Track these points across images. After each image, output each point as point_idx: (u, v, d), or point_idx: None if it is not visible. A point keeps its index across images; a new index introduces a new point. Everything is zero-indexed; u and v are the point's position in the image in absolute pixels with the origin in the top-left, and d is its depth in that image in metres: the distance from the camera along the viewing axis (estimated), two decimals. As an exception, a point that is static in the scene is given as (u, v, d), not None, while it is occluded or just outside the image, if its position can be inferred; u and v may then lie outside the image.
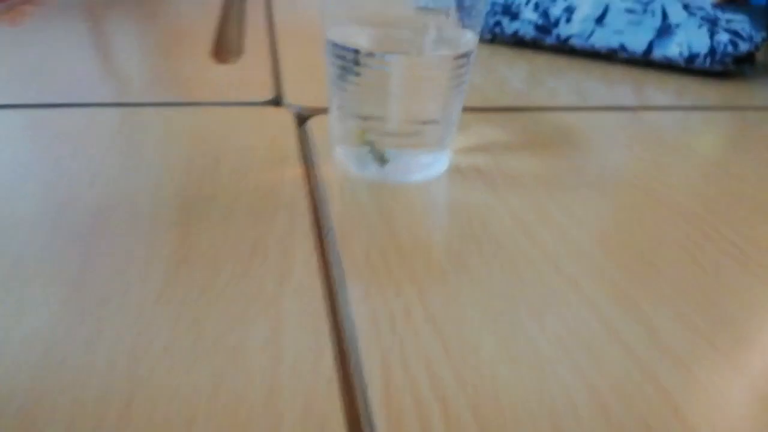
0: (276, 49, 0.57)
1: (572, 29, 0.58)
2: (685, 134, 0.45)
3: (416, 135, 0.34)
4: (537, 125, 0.44)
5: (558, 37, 0.59)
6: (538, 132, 0.43)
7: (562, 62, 0.59)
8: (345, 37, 0.32)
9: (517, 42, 0.61)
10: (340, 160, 0.36)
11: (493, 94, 0.50)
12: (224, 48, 0.56)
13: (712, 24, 0.55)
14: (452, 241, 0.29)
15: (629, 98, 0.52)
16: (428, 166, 0.35)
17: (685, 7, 0.57)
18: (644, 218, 0.32)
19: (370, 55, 0.31)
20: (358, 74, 0.32)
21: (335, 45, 0.32)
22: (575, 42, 0.59)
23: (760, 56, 0.60)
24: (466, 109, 0.36)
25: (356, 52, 0.31)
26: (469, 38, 0.33)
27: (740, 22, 0.56)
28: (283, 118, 0.42)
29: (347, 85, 0.33)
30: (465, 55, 0.33)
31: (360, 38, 0.32)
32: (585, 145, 0.41)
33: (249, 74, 0.51)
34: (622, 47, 0.58)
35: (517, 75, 0.55)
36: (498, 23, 0.61)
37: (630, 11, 0.57)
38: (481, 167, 0.37)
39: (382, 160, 0.33)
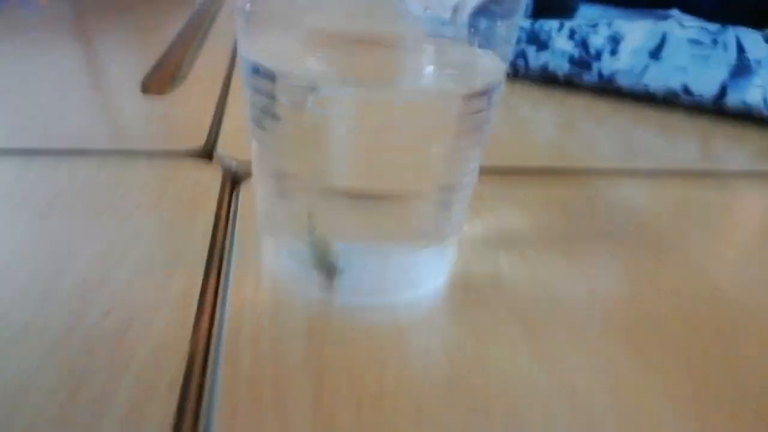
0: (229, 83, 0.43)
1: (619, 64, 0.45)
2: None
3: (396, 220, 0.20)
4: (577, 197, 0.30)
5: (600, 73, 0.45)
6: (579, 210, 0.28)
7: (605, 106, 0.45)
8: (274, 55, 0.18)
9: (547, 78, 0.48)
10: (270, 260, 0.22)
11: (515, 148, 0.36)
12: (158, 77, 0.43)
13: (810, 62, 0.42)
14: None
15: (696, 158, 0.38)
16: (415, 279, 0.21)
17: (767, 39, 0.43)
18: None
19: (312, 88, 0.17)
20: (279, 119, 0.18)
21: (256, 68, 0.18)
22: (622, 80, 0.45)
23: None
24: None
25: (286, 80, 0.18)
26: (491, 66, 0.19)
27: None
28: (208, 178, 0.28)
29: (269, 136, 0.19)
30: (484, 93, 0.19)
31: (298, 57, 0.18)
32: (647, 234, 0.27)
33: (179, 112, 0.37)
34: (686, 89, 0.44)
35: (547, 122, 0.41)
36: (522, 54, 0.47)
37: (695, 42, 0.43)
38: (503, 282, 0.22)
39: (328, 267, 0.19)
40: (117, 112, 0.37)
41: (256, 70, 0.18)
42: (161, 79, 0.43)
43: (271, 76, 0.18)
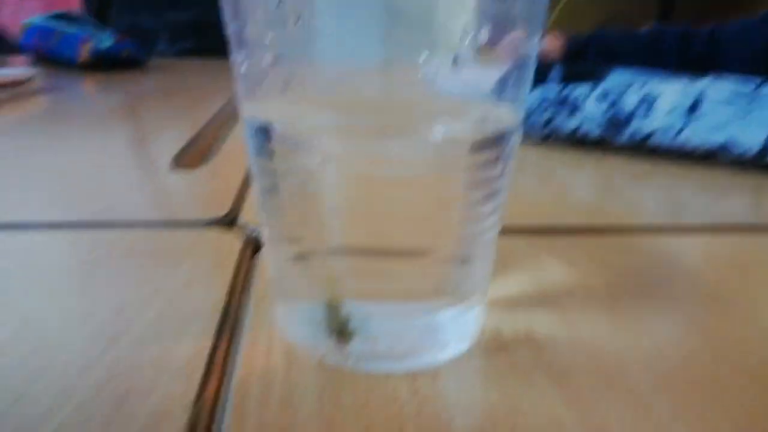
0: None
1: (654, 124, 0.43)
2: None
3: (411, 277, 0.18)
4: (619, 254, 0.28)
5: (633, 135, 0.44)
6: (621, 265, 0.26)
7: (643, 165, 0.43)
8: (274, 112, 0.18)
9: (579, 142, 0.47)
10: (282, 326, 0.20)
11: (550, 207, 0.34)
12: (191, 153, 0.43)
13: None
14: None
15: (745, 212, 0.36)
16: (436, 342, 0.19)
17: (810, 92, 0.42)
18: None
19: (312, 142, 0.17)
20: (281, 179, 0.17)
21: (257, 129, 0.18)
22: (659, 140, 0.44)
23: None
24: (511, 231, 0.20)
25: (287, 137, 0.17)
26: (504, 113, 0.18)
27: None
28: (228, 245, 0.27)
29: (273, 199, 0.18)
30: (494, 143, 0.18)
31: (299, 114, 0.18)
32: (698, 290, 0.24)
33: (206, 185, 0.37)
34: (726, 146, 0.42)
35: (584, 182, 0.40)
36: (552, 119, 0.47)
37: (733, 99, 0.42)
38: (539, 344, 0.20)
39: (339, 330, 0.18)
40: (148, 186, 0.37)
41: (258, 131, 0.18)
42: (193, 155, 0.44)
43: (269, 134, 0.17)
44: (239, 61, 0.17)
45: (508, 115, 0.18)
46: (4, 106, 0.60)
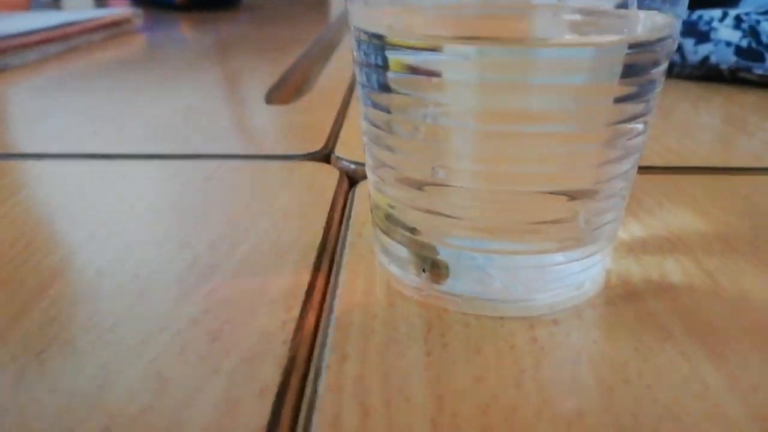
0: (351, 94, 0.41)
1: (800, 52, 0.38)
2: None
3: (528, 213, 0.16)
4: (757, 197, 0.24)
5: (775, 65, 0.39)
6: (761, 210, 0.23)
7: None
8: (389, 19, 0.16)
9: (708, 74, 0.42)
10: (384, 261, 0.19)
11: (676, 146, 0.31)
12: (281, 88, 0.42)
13: None
14: None
15: None
16: (551, 286, 0.17)
17: None
18: None
19: (433, 48, 0.15)
20: (392, 93, 0.15)
21: (363, 34, 0.16)
22: (805, 71, 0.38)
23: None
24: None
25: (402, 44, 0.15)
26: (660, 21, 0.15)
27: None
28: (324, 179, 0.26)
29: (381, 116, 0.16)
30: (654, 44, 0.15)
31: (415, 21, 0.16)
32: None
33: (300, 119, 0.36)
34: None
35: (713, 120, 0.36)
36: (678, 48, 0.42)
37: None
38: (674, 293, 0.18)
39: (434, 267, 0.16)
40: (243, 120, 0.36)
41: (369, 40, 0.16)
42: (286, 91, 0.43)
43: (382, 47, 0.15)
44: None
45: (667, 23, 0.15)
46: (103, 46, 0.62)
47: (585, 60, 0.15)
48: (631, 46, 0.15)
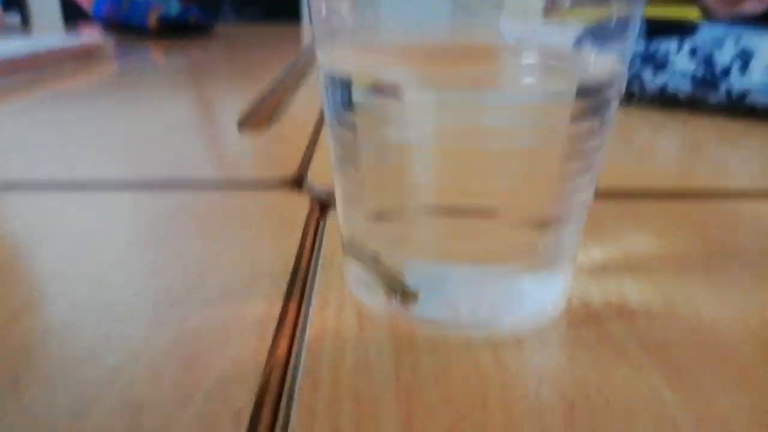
0: (322, 120, 0.42)
1: (751, 81, 0.40)
2: None
3: (489, 239, 0.17)
4: (712, 219, 0.25)
5: (729, 93, 0.41)
6: (715, 233, 0.24)
7: (734, 126, 0.40)
8: (354, 61, 0.17)
9: (666, 101, 0.43)
10: (353, 287, 0.19)
11: (636, 170, 0.32)
12: (253, 115, 0.43)
13: None
14: None
15: None
16: (514, 308, 0.18)
17: None
18: None
19: (390, 90, 0.15)
20: (357, 129, 0.16)
21: (333, 78, 0.17)
22: (756, 99, 0.40)
23: None
24: (596, 194, 0.19)
25: (366, 87, 0.16)
26: (607, 64, 0.16)
27: None
28: (295, 205, 0.27)
29: (348, 150, 0.17)
30: (597, 90, 0.16)
31: (379, 64, 0.16)
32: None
33: (272, 146, 0.37)
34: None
35: (671, 144, 0.37)
36: (637, 77, 0.43)
37: None
38: (631, 313, 0.19)
39: (400, 292, 0.17)
40: (215, 148, 0.37)
41: (334, 80, 0.16)
42: (259, 118, 0.44)
43: (348, 84, 0.16)
44: (317, 5, 0.16)
45: (613, 66, 0.16)
46: (76, 73, 0.62)
47: (538, 104, 0.15)
48: (581, 89, 0.15)
